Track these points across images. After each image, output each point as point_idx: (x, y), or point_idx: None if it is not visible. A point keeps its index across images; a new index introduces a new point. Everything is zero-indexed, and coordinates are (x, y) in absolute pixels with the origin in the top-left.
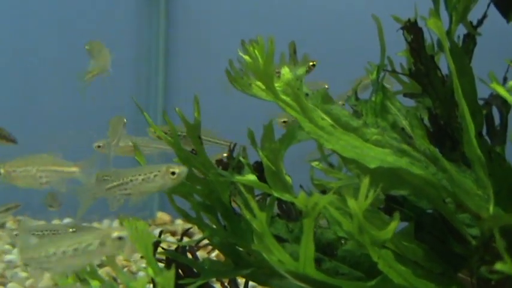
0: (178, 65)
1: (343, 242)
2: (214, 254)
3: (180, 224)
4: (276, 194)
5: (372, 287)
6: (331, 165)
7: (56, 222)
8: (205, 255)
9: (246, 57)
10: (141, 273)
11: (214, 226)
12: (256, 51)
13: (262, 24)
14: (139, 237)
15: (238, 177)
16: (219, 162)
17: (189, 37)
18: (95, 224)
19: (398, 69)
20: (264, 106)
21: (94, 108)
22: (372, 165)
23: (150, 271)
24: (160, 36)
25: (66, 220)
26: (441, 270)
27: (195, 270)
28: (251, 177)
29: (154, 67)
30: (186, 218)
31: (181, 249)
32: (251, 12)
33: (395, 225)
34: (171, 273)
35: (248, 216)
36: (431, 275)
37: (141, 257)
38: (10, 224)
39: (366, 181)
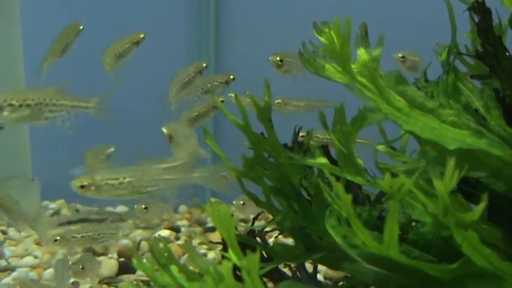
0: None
1: (413, 225)
2: (270, 240)
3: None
4: (348, 177)
5: (454, 270)
6: (393, 148)
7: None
8: None
9: (322, 39)
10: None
11: (284, 210)
12: (332, 33)
13: None
14: (222, 220)
15: (309, 160)
16: (285, 145)
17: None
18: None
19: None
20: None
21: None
22: (452, 147)
23: (232, 255)
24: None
25: (119, 208)
26: None
27: (265, 255)
28: (322, 160)
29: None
30: (257, 202)
31: (250, 234)
32: None
33: (483, 206)
34: (256, 256)
35: (331, 198)
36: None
37: (199, 244)
38: (65, 211)
39: (451, 162)
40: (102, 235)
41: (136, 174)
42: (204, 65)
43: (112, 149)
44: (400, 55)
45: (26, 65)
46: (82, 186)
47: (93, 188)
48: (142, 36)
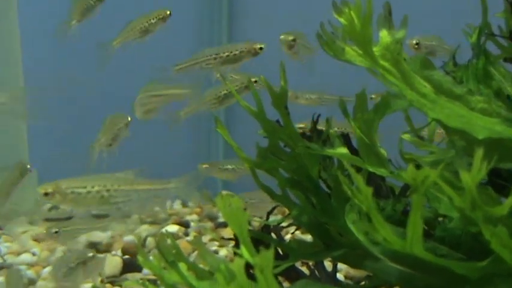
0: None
1: (440, 221)
2: (287, 236)
3: None
4: (370, 169)
5: (483, 268)
6: (420, 137)
7: None
8: None
9: (342, 19)
10: None
11: (301, 204)
12: (352, 13)
13: None
14: (233, 215)
15: (329, 150)
16: (302, 134)
17: None
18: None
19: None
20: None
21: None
22: (481, 136)
23: (245, 252)
24: None
25: None
26: None
27: (280, 252)
28: (342, 150)
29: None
30: (271, 195)
31: (265, 230)
32: None
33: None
34: (270, 253)
35: (350, 191)
36: None
37: (210, 240)
38: None
39: (479, 152)
40: (69, 231)
41: (105, 184)
42: (259, 46)
43: (129, 119)
44: (414, 42)
45: (24, 64)
46: (46, 194)
47: (57, 195)
48: (168, 12)
